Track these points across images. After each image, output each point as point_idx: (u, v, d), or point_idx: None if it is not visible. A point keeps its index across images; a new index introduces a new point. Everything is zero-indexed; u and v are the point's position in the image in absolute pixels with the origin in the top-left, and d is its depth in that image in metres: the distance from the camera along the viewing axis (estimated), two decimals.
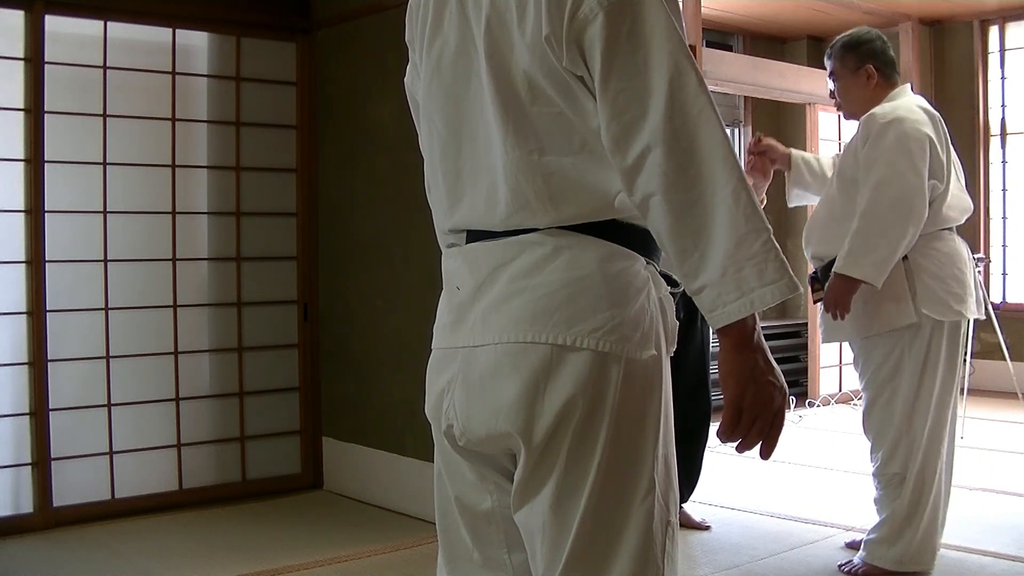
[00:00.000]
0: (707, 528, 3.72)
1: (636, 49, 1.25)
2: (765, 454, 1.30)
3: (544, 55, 1.29)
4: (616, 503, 1.31)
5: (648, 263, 1.38)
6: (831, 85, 3.22)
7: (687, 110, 1.24)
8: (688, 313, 3.44)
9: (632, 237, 1.36)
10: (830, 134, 6.53)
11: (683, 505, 3.76)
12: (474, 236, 1.41)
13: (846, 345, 6.53)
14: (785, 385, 1.31)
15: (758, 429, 1.28)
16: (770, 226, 1.26)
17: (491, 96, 1.34)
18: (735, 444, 1.30)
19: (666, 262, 1.41)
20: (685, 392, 3.45)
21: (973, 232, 6.90)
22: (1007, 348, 5.73)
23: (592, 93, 1.29)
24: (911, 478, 3.05)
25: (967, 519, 3.73)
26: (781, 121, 7.47)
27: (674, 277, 1.44)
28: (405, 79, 1.57)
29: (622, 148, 1.27)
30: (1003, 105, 6.94)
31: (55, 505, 3.79)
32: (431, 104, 1.45)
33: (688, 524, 3.69)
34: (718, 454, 4.94)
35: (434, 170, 1.47)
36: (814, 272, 3.25)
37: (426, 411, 1.48)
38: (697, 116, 1.24)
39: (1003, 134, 6.94)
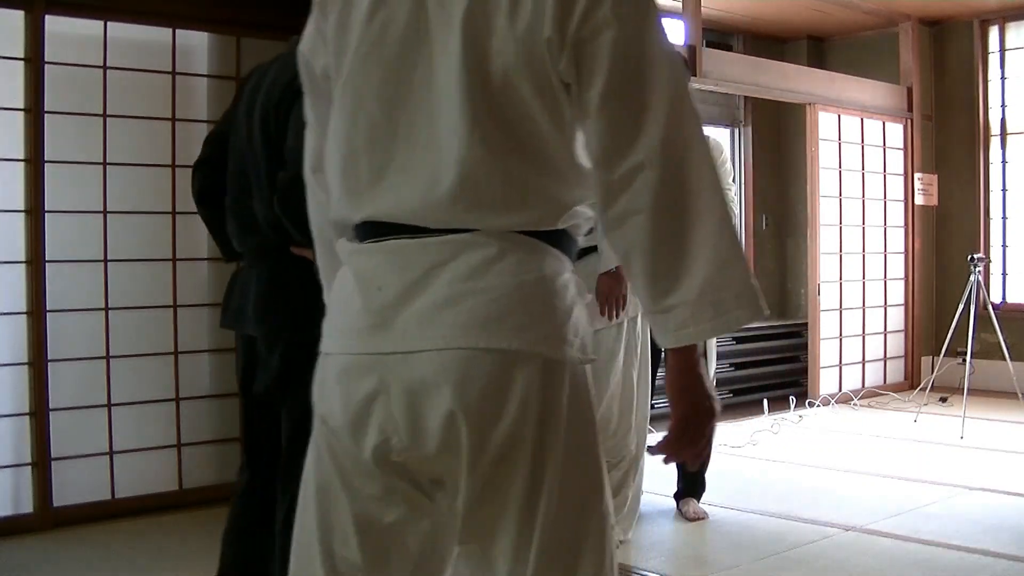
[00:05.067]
0: (704, 518, 3.75)
1: (643, 65, 1.24)
2: (693, 464, 1.39)
3: (536, 55, 1.24)
4: (577, 507, 1.30)
5: (572, 271, 1.37)
6: None
7: (684, 133, 1.25)
8: None
9: (569, 245, 1.35)
10: (830, 134, 6.53)
11: (686, 500, 3.80)
12: (391, 230, 1.30)
13: (847, 344, 6.63)
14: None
15: (701, 442, 1.33)
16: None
17: (459, 88, 1.25)
18: (663, 456, 1.33)
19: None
20: None
21: (973, 232, 6.91)
22: (1007, 348, 5.73)
23: (573, 101, 1.26)
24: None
25: (967, 519, 3.73)
26: (781, 121, 7.47)
27: None
28: (301, 47, 1.43)
29: (612, 161, 1.24)
30: (1003, 105, 6.93)
31: (55, 505, 3.78)
32: (361, 81, 1.32)
33: (687, 518, 3.73)
34: (718, 455, 4.94)
35: (352, 152, 1.33)
36: None
37: (332, 422, 1.34)
38: (690, 139, 1.25)
39: (1003, 134, 6.93)
